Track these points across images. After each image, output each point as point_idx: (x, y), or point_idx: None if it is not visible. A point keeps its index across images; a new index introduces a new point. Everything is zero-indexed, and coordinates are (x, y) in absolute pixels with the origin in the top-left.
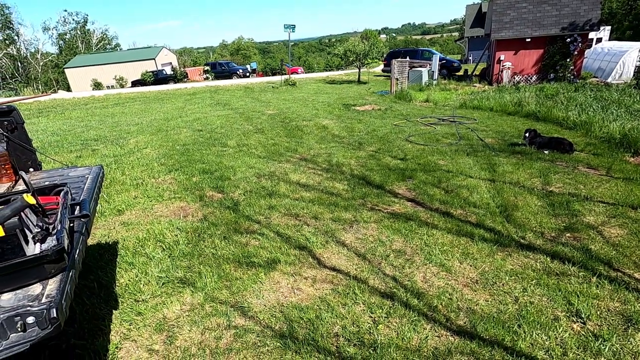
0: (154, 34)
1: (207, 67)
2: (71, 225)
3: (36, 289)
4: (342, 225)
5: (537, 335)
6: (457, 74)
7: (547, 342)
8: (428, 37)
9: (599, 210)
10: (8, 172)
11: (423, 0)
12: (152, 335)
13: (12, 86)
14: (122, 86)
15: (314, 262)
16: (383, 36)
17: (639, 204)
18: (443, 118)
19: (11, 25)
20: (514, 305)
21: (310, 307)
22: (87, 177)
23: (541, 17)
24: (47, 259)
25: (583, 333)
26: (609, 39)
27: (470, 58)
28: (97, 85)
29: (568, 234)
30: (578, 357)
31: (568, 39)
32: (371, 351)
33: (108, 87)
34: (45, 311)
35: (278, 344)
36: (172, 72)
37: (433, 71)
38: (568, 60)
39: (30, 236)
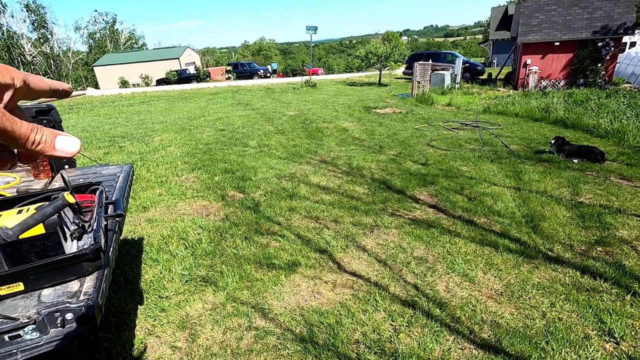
0: (178, 34)
1: (229, 67)
2: (106, 224)
3: (74, 286)
4: (362, 230)
5: (567, 353)
6: (480, 77)
7: None
8: (451, 39)
9: (632, 224)
10: (46, 168)
11: (446, 2)
12: (175, 332)
13: None
14: (147, 84)
15: (334, 267)
16: (404, 38)
17: None
18: (466, 123)
19: (46, 25)
20: (542, 321)
21: (331, 312)
22: (119, 175)
23: (571, 20)
24: (86, 257)
25: (616, 354)
26: None
27: (494, 61)
28: (124, 84)
29: (599, 248)
30: None
31: (600, 43)
32: None
33: (134, 86)
34: (83, 308)
35: (298, 347)
36: (195, 72)
37: (456, 74)
38: (599, 65)
39: (68, 234)
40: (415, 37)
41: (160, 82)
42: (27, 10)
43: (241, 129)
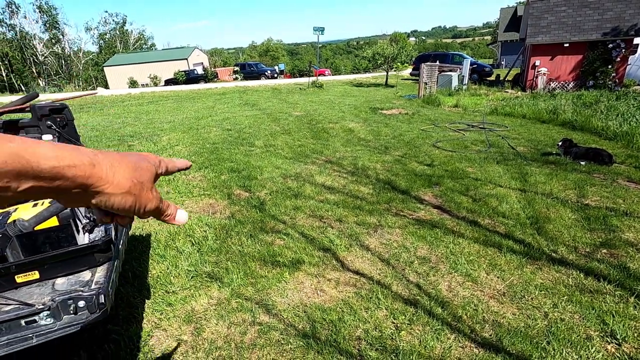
0: (187, 35)
1: (236, 68)
2: None
3: (86, 275)
4: (366, 229)
5: (568, 353)
6: (488, 79)
7: None
8: (459, 40)
9: (639, 227)
10: None
11: (455, 2)
12: (181, 326)
13: (55, 82)
14: (156, 85)
15: (338, 265)
16: (412, 39)
17: None
18: (472, 124)
19: (57, 25)
20: (543, 321)
21: (333, 309)
22: None
23: (581, 21)
24: (97, 248)
25: (618, 355)
26: None
27: (502, 63)
28: (133, 84)
29: (604, 250)
30: None
31: (610, 45)
32: (393, 357)
33: (143, 86)
34: (94, 296)
35: (301, 343)
36: (203, 72)
37: (463, 75)
38: (609, 67)
39: (80, 226)
40: (423, 38)
41: (168, 82)
42: (40, 11)
43: (248, 129)
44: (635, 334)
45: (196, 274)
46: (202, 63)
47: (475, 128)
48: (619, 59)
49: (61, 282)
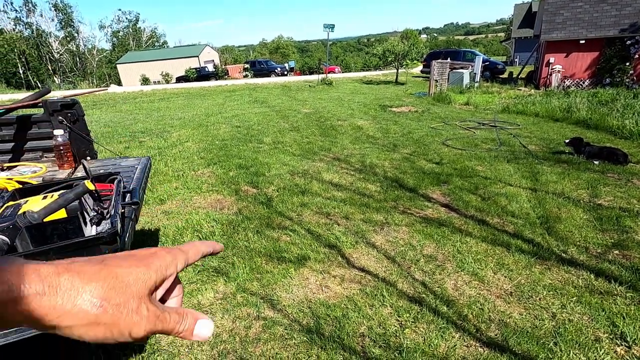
0: (198, 32)
1: (246, 65)
2: (122, 211)
3: None
4: (372, 227)
5: (575, 355)
6: (501, 76)
7: None
8: (471, 37)
9: None
10: (69, 159)
11: None
12: None
13: (70, 79)
14: (167, 82)
15: (343, 262)
16: (424, 36)
17: None
18: (483, 122)
19: (72, 23)
20: (551, 322)
21: (338, 306)
22: (137, 167)
23: (598, 17)
24: (104, 240)
25: (627, 358)
26: None
27: (516, 60)
28: (145, 81)
29: (616, 251)
30: None
31: (628, 41)
32: (397, 354)
33: (155, 83)
34: None
35: (305, 338)
36: (213, 70)
37: (475, 73)
38: (627, 64)
39: (88, 219)
40: (435, 35)
41: (180, 79)
42: (55, 10)
43: (256, 126)
44: None
45: (203, 268)
46: (212, 60)
47: (486, 126)
48: (637, 56)
49: None
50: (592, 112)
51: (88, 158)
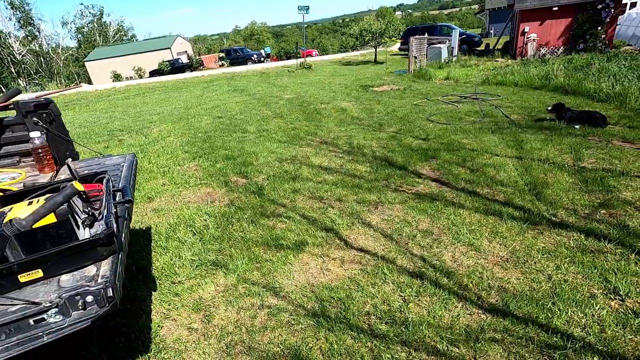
0: (168, 23)
1: (221, 54)
2: (115, 210)
3: (91, 270)
4: (366, 207)
5: (573, 312)
6: (478, 49)
7: (583, 320)
8: (446, 11)
9: (636, 186)
10: (50, 162)
11: None
12: (191, 314)
13: (37, 81)
14: (140, 77)
15: (341, 244)
16: (399, 13)
17: None
18: (465, 95)
19: (32, 22)
20: (547, 284)
21: (340, 287)
22: (123, 165)
23: None
24: (100, 241)
25: (622, 310)
26: None
27: (491, 31)
28: (117, 77)
29: (603, 211)
30: (617, 334)
31: (599, 6)
32: (403, 329)
33: (127, 79)
34: (102, 290)
35: (311, 322)
36: (188, 61)
37: (453, 47)
38: (599, 28)
39: (79, 222)
40: (410, 11)
41: (153, 73)
42: (12, 8)
43: (239, 115)
44: (638, 289)
45: (200, 262)
46: (185, 51)
47: (468, 99)
48: (608, 20)
49: (66, 279)
50: (569, 78)
51: (69, 160)
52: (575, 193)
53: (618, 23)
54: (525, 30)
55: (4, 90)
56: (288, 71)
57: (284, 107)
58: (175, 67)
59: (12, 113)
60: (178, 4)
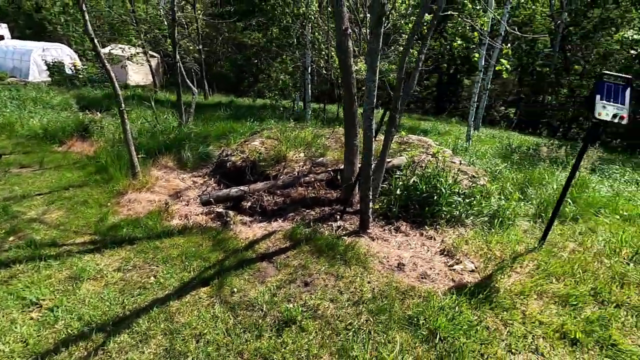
0: None
1: None
2: None
3: None
4: None
5: (2, 349)
6: None
7: (7, 347)
8: None
9: (38, 203)
10: None
11: None
12: None
13: None
14: None
15: None
16: None
17: (70, 184)
18: None
19: None
20: None
21: None
22: None
23: None
24: None
25: (39, 316)
26: (13, 38)
27: None
28: None
29: (12, 238)
30: (43, 339)
31: None
32: None
33: None
34: None
35: None
36: None
37: None
38: None
39: None
40: None
41: None
42: None
43: None
44: (50, 288)
45: None
46: None
47: None
48: None
49: None
50: None
51: None
52: None
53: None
54: None
55: None
56: None
57: None
58: None
59: None
60: None
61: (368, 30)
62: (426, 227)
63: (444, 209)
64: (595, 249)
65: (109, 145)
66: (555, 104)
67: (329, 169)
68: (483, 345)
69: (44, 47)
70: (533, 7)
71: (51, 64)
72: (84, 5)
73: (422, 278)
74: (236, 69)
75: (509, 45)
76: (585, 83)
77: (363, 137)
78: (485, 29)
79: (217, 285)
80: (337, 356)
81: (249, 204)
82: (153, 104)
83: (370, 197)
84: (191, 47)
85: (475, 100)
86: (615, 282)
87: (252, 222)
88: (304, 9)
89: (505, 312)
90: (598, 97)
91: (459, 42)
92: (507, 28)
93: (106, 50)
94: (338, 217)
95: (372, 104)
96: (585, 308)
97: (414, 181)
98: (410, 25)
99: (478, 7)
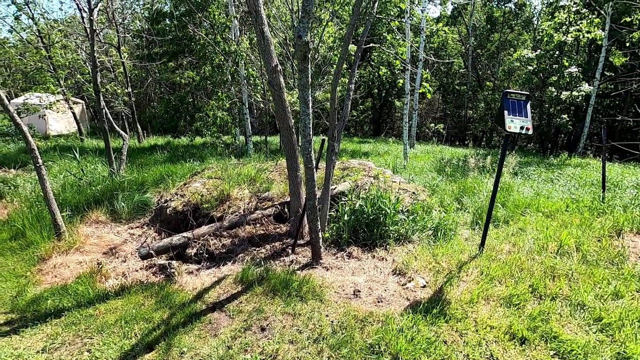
0: None
1: None
2: None
3: None
4: None
5: None
6: None
7: None
8: None
9: None
10: None
11: None
12: None
13: None
14: None
15: None
16: None
17: None
18: None
19: None
20: None
21: None
22: None
23: None
24: None
25: None
26: None
27: None
28: None
29: None
30: None
31: None
32: None
33: None
34: None
35: None
36: None
37: None
38: None
39: None
40: None
41: None
42: None
43: None
44: None
45: None
46: None
47: None
48: None
49: None
50: None
51: None
52: None
53: None
54: None
55: None
56: None
57: None
58: None
59: None
60: None
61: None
62: (377, 248)
63: (391, 228)
64: (526, 247)
65: (25, 207)
66: (476, 117)
67: (276, 203)
68: None
69: None
70: (445, 34)
71: None
72: None
73: (378, 302)
74: (170, 109)
75: (428, 70)
76: (497, 97)
77: (305, 170)
78: (404, 57)
79: (164, 348)
80: None
81: (194, 250)
82: (77, 154)
83: (320, 226)
84: (119, 91)
85: (407, 120)
86: (547, 277)
87: (199, 270)
88: (235, 46)
89: (459, 323)
90: (506, 112)
91: (384, 70)
92: (424, 55)
93: (20, 100)
94: (290, 251)
95: (309, 136)
96: (527, 305)
97: (359, 205)
98: (338, 56)
99: (397, 37)
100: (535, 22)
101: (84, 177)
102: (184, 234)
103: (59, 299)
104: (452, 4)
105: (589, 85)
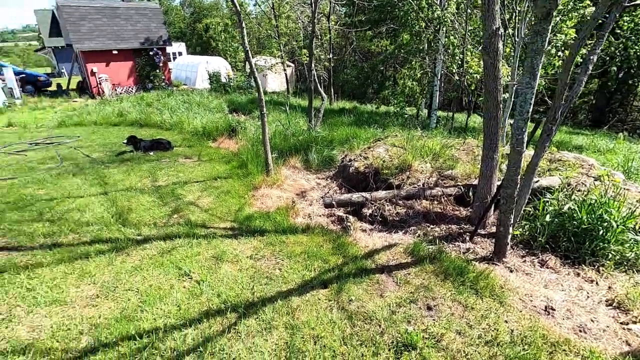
0: None
1: None
2: None
3: None
4: None
5: (158, 308)
6: (49, 89)
7: (166, 308)
8: None
9: (194, 189)
10: None
11: None
12: None
13: None
14: None
15: None
16: None
17: (218, 175)
18: (36, 142)
19: None
20: (137, 295)
21: None
22: None
23: (119, 30)
24: None
25: (191, 286)
26: (187, 53)
27: (62, 71)
28: None
29: (175, 215)
30: (190, 305)
31: (151, 52)
32: None
33: None
34: None
35: None
36: None
37: (11, 88)
38: (158, 70)
39: None
40: None
41: None
42: None
43: None
44: (198, 265)
45: None
46: None
47: (41, 145)
48: (162, 64)
49: None
50: (141, 112)
51: None
52: (154, 209)
53: (171, 67)
54: (94, 71)
55: None
56: None
57: None
58: None
59: None
60: None
61: (525, 27)
62: (584, 266)
63: (612, 247)
64: None
65: (249, 144)
66: None
67: (459, 184)
68: None
69: (207, 60)
70: None
71: (211, 73)
72: (243, 23)
73: (580, 331)
74: (362, 76)
75: None
76: None
77: (510, 152)
78: None
79: (336, 290)
80: None
81: (370, 211)
82: (288, 108)
83: (511, 220)
84: (322, 56)
85: None
86: None
87: (371, 231)
88: (439, 12)
89: None
90: None
91: None
92: None
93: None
94: (467, 238)
95: (527, 113)
96: None
97: (569, 208)
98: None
99: None
100: None
101: (289, 128)
102: (363, 194)
103: (263, 222)
104: None
105: None
